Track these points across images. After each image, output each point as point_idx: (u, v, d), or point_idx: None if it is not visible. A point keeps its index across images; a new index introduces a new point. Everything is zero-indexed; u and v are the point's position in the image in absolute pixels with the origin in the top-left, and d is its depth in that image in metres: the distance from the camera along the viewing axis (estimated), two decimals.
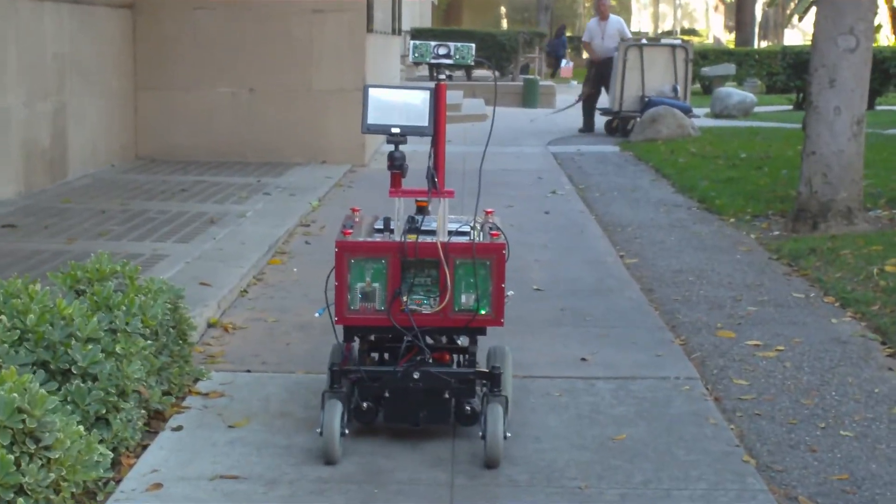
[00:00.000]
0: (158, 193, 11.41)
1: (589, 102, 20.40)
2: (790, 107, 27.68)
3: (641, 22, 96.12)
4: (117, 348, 4.79)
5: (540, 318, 7.19)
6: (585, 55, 20.88)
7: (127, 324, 5.00)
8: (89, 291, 5.25)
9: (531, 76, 30.98)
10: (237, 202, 10.96)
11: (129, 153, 14.21)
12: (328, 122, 14.54)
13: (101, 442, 4.46)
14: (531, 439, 5.10)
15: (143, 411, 4.93)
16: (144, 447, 4.91)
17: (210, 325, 6.80)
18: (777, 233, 10.22)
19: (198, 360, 6.09)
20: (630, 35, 20.71)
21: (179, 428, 5.14)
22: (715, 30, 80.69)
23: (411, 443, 5.05)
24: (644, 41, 20.80)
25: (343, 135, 14.50)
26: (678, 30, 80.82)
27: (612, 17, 20.55)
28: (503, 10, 72.15)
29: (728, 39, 69.22)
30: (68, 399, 4.49)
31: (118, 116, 13.87)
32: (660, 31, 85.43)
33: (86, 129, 12.77)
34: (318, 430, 4.83)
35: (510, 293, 5.07)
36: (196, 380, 5.77)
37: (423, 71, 32.65)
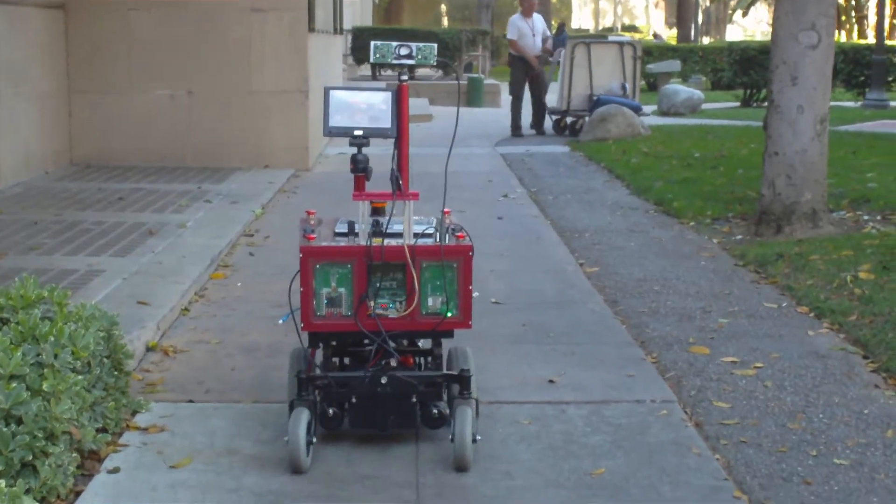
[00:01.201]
0: (94, 202, 10.89)
1: (518, 104, 19.77)
2: (737, 103, 27.49)
3: (582, 19, 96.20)
4: (44, 385, 4.31)
5: (501, 335, 6.77)
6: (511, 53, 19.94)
7: (56, 356, 4.53)
8: (13, 321, 4.77)
9: (475, 75, 30.58)
10: (177, 211, 10.47)
11: (63, 159, 13.67)
12: (270, 125, 14.06)
13: (27, 492, 4.02)
14: (502, 475, 4.67)
15: (74, 454, 4.45)
16: (77, 494, 4.43)
17: (149, 349, 6.33)
18: (740, 237, 9.85)
19: (136, 389, 5.63)
20: (549, 34, 20.15)
21: (116, 470, 4.67)
22: (656, 26, 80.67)
23: (380, 448, 4.82)
24: (555, 37, 20.20)
25: (286, 138, 14.05)
26: (619, 26, 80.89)
27: (535, 14, 20.00)
28: (444, 8, 71.78)
29: (669, 35, 69.19)
30: None
31: (51, 121, 13.32)
32: (600, 27, 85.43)
33: (17, 135, 12.22)
34: (285, 439, 4.68)
35: (476, 294, 4.99)
36: (134, 412, 5.30)
37: (366, 70, 32.27)
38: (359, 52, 31.28)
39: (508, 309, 7.40)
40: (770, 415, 5.45)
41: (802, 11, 9.79)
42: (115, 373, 5.17)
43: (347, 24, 28.16)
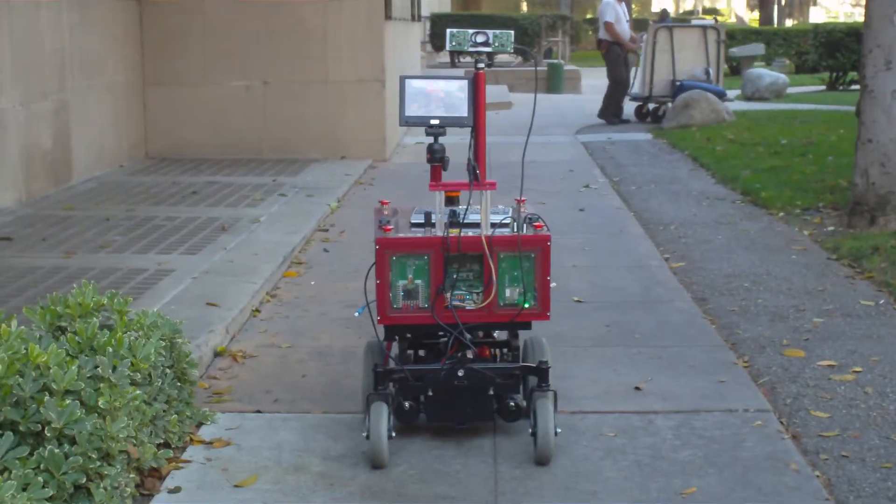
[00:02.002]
0: (168, 197, 10.70)
1: (621, 91, 19.33)
2: (823, 87, 26.91)
3: (662, 1, 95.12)
4: (100, 402, 4.06)
5: (583, 337, 6.46)
6: (603, 38, 19.22)
7: (114, 369, 4.28)
8: (70, 330, 4.54)
9: (556, 60, 30.21)
10: (251, 205, 10.25)
11: (138, 152, 13.52)
12: (347, 115, 13.82)
13: None
14: (587, 495, 4.36)
15: (132, 474, 4.21)
16: None
17: (217, 355, 6.08)
18: (832, 228, 9.46)
19: (202, 398, 5.39)
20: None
21: (177, 489, 4.41)
22: (737, 9, 79.63)
23: (455, 445, 4.47)
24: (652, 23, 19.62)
25: (363, 128, 13.81)
26: (699, 9, 79.91)
27: None
28: None
29: (751, 18, 68.29)
30: (41, 467, 3.77)
31: (126, 114, 13.18)
32: (681, 11, 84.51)
33: (91, 129, 12.08)
34: (365, 434, 4.63)
35: (553, 284, 4.89)
36: (199, 424, 5.05)
37: (444, 58, 32.00)
38: (437, 39, 31.01)
39: (591, 308, 7.09)
40: (873, 426, 5.09)
41: None
42: (179, 384, 4.93)
43: (425, 11, 27.91)
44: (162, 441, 4.63)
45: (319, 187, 11.40)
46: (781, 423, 5.12)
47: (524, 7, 67.39)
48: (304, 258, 8.48)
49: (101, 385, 4.17)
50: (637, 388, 5.56)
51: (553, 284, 4.84)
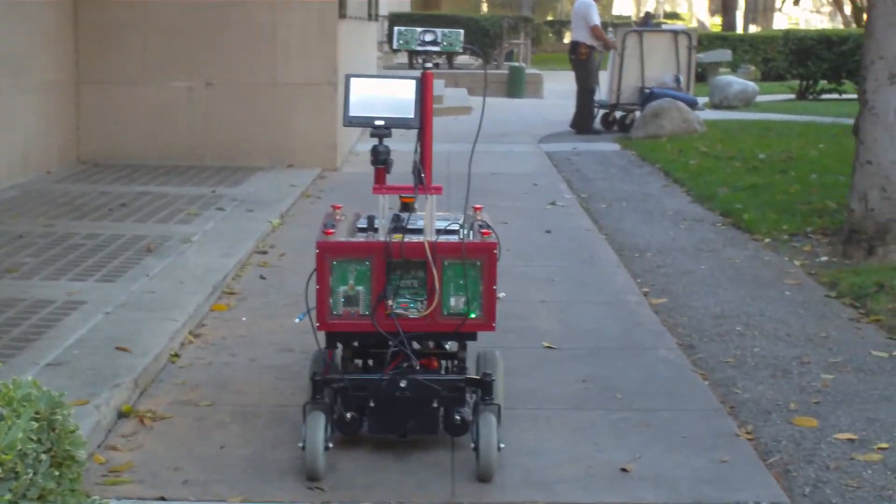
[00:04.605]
0: (93, 210, 9.66)
1: (592, 99, 18.24)
2: (792, 96, 26.14)
3: (622, 6, 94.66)
4: None
5: (557, 396, 5.50)
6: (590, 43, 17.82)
7: None
8: None
9: (517, 63, 29.28)
10: (184, 221, 9.25)
11: (69, 156, 12.49)
12: (295, 121, 12.84)
13: None
14: None
15: None
16: None
17: (121, 415, 5.10)
18: (825, 258, 8.56)
19: (96, 476, 4.42)
20: None
21: None
22: (699, 14, 79.15)
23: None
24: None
25: (312, 135, 12.84)
26: (661, 13, 79.37)
27: None
28: None
29: (713, 23, 67.77)
30: None
31: (56, 115, 12.15)
32: (642, 15, 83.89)
33: (14, 131, 11.05)
34: (301, 445, 4.49)
35: (501, 295, 4.76)
36: None
37: (402, 58, 31.03)
38: None
39: (564, 356, 6.12)
40: None
41: None
42: (57, 472, 3.95)
43: (383, 10, 26.92)
44: None
45: (261, 200, 10.41)
46: None
47: (484, 8, 66.54)
48: (238, 287, 7.50)
49: None
50: (624, 470, 4.62)
51: (501, 295, 4.71)
